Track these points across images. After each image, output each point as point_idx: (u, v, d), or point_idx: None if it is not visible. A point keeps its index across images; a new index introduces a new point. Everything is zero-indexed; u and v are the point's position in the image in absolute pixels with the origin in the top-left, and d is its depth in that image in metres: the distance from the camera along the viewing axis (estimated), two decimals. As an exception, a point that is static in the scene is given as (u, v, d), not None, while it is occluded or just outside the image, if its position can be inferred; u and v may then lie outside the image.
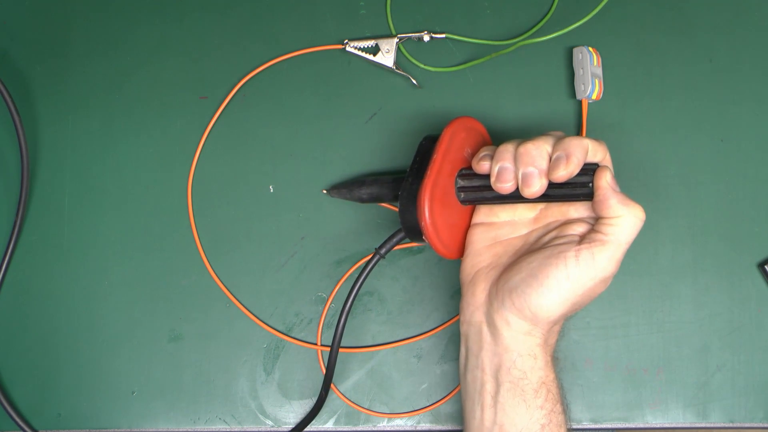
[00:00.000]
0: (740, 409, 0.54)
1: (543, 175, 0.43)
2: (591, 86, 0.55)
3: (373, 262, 0.50)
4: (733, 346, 0.55)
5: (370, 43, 0.57)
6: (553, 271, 0.43)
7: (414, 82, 0.57)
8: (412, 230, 0.47)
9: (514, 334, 0.44)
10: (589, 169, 0.44)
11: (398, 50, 0.57)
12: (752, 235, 0.55)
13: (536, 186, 0.43)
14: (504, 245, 0.48)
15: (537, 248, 0.46)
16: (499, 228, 0.49)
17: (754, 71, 0.57)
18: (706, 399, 0.54)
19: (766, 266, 0.54)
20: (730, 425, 0.54)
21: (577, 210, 0.46)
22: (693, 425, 0.55)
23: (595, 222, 0.44)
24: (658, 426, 0.54)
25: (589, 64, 0.55)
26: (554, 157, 0.43)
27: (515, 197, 0.45)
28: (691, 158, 0.56)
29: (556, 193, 0.44)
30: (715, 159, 0.56)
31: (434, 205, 0.45)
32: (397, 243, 0.49)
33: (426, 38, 0.57)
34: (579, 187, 0.44)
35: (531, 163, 0.43)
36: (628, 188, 0.55)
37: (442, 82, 0.58)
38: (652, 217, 0.55)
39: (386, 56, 0.57)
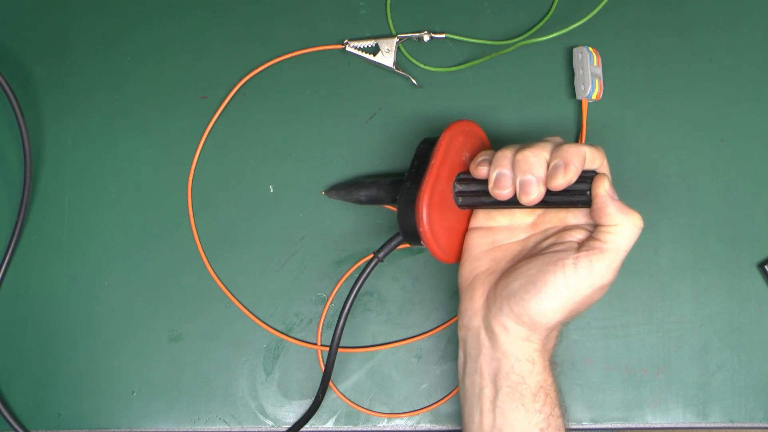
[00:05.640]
0: (740, 409, 0.54)
1: (541, 183, 0.43)
2: (591, 86, 0.55)
3: (371, 265, 0.50)
4: (733, 346, 0.55)
5: (370, 43, 0.57)
6: (552, 278, 0.43)
7: (414, 82, 0.57)
8: (411, 235, 0.47)
9: (512, 340, 0.44)
10: (587, 177, 0.43)
11: (398, 50, 0.57)
12: (752, 235, 0.55)
13: (534, 194, 0.43)
14: (502, 250, 0.48)
15: (535, 254, 0.46)
16: (497, 233, 0.48)
17: (754, 71, 0.57)
18: (706, 399, 0.54)
19: (766, 266, 0.54)
20: (730, 425, 0.54)
21: (576, 216, 0.46)
22: (693, 425, 0.55)
23: (594, 229, 0.44)
24: (658, 426, 0.54)
25: (589, 64, 0.55)
26: (552, 164, 0.43)
27: (513, 203, 0.45)
28: (691, 158, 0.56)
29: (554, 200, 0.44)
30: (715, 159, 0.56)
31: (432, 211, 0.45)
32: (396, 246, 0.49)
33: (426, 38, 0.57)
34: (577, 195, 0.44)
35: (529, 171, 0.43)
36: (628, 188, 0.56)
37: (442, 82, 0.57)
38: (652, 217, 0.55)
39: (386, 56, 0.57)
